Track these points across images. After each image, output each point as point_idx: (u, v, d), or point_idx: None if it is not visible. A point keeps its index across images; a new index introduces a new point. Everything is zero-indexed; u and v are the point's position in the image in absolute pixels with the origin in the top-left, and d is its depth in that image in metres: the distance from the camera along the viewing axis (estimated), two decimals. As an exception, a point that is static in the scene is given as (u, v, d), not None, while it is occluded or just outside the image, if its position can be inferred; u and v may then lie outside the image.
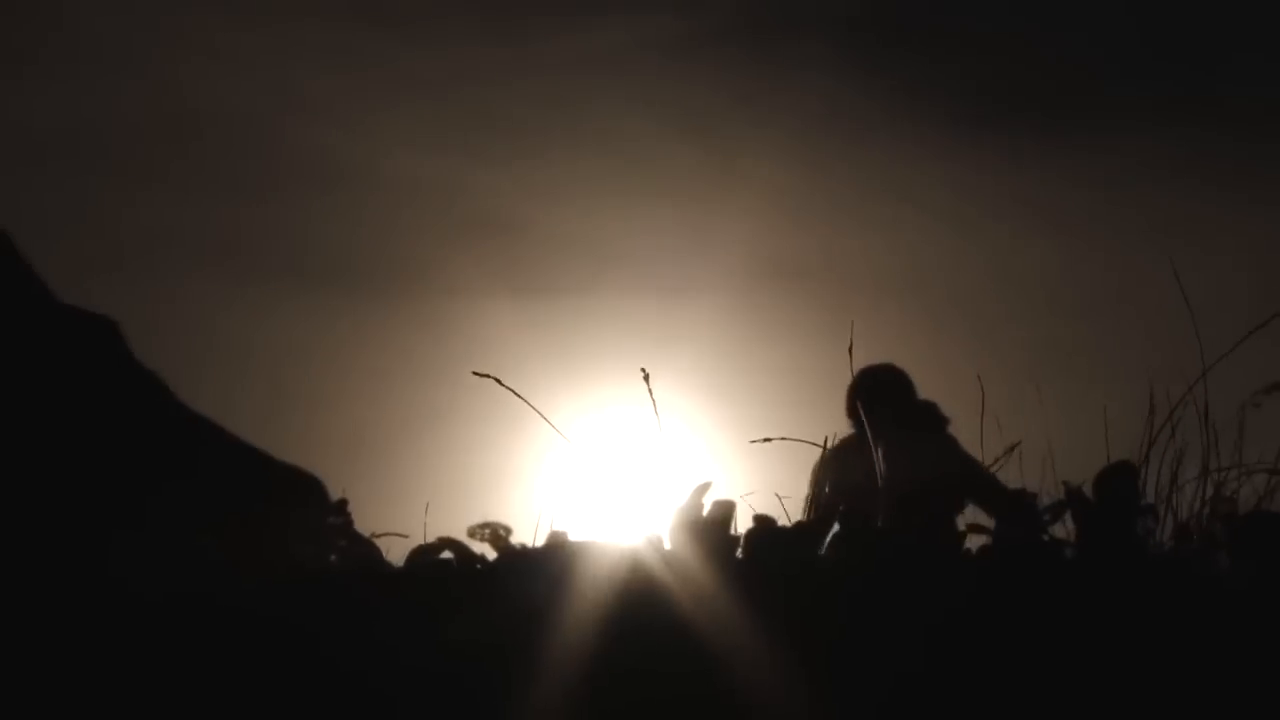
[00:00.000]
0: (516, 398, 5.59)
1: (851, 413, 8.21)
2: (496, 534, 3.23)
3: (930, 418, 8.29)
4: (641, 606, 2.89)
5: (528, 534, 3.40)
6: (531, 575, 3.14)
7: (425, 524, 3.76)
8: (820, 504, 7.88)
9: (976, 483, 7.59)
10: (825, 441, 7.25)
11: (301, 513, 4.23)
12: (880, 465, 7.13)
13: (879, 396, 8.12)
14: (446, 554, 3.27)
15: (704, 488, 4.74)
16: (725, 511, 3.26)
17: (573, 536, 3.29)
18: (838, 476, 7.94)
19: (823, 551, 3.00)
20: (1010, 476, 3.80)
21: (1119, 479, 3.23)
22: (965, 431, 3.92)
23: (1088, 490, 3.26)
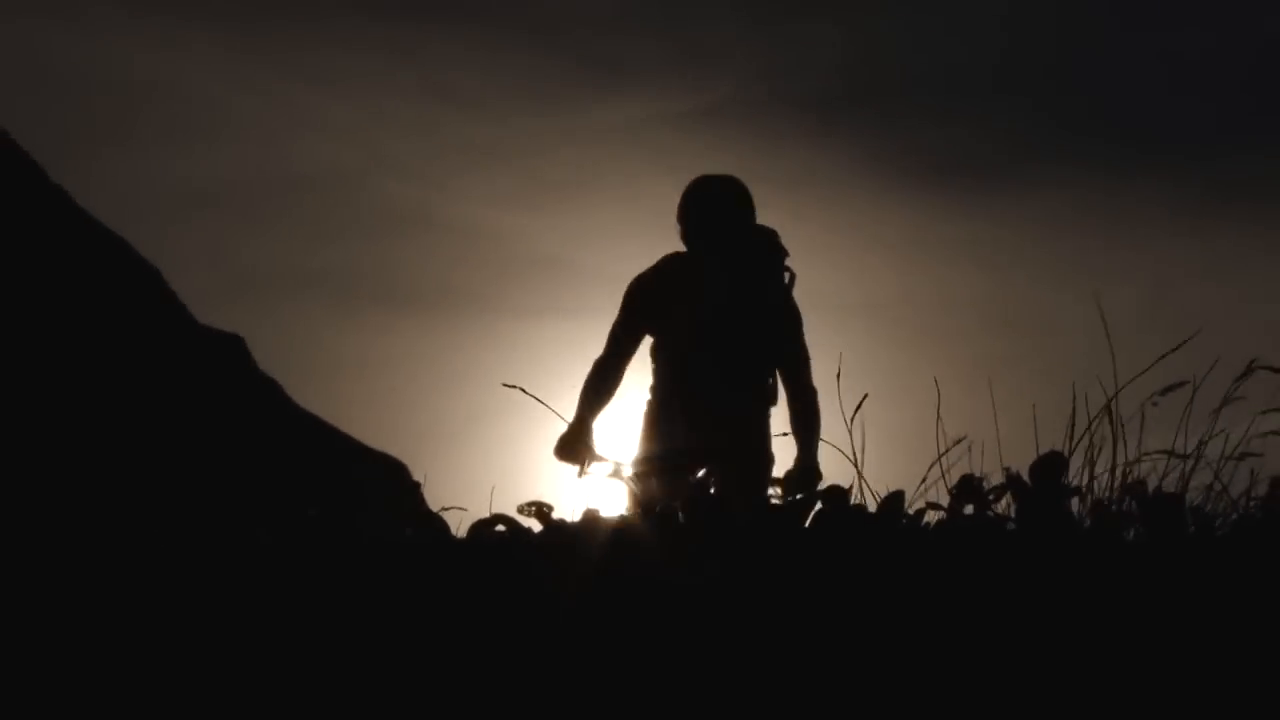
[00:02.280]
0: (558, 400, 5.92)
1: (681, 225, 6.89)
2: (541, 511, 3.21)
3: (767, 245, 6.93)
4: (653, 572, 2.82)
5: (566, 512, 3.39)
6: (569, 545, 3.08)
7: (491, 503, 3.76)
8: (630, 329, 6.86)
9: (788, 334, 6.84)
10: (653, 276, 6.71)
11: (387, 492, 4.16)
12: (704, 289, 6.73)
13: (712, 210, 6.81)
14: (500, 527, 3.20)
15: (708, 475, 4.69)
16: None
17: (603, 514, 3.27)
18: (656, 299, 6.81)
19: (809, 527, 2.92)
20: (959, 467, 3.71)
21: (1050, 466, 3.19)
22: (919, 427, 3.84)
23: (1025, 475, 3.22)
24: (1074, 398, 3.85)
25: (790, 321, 6.93)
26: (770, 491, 6.48)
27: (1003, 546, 2.88)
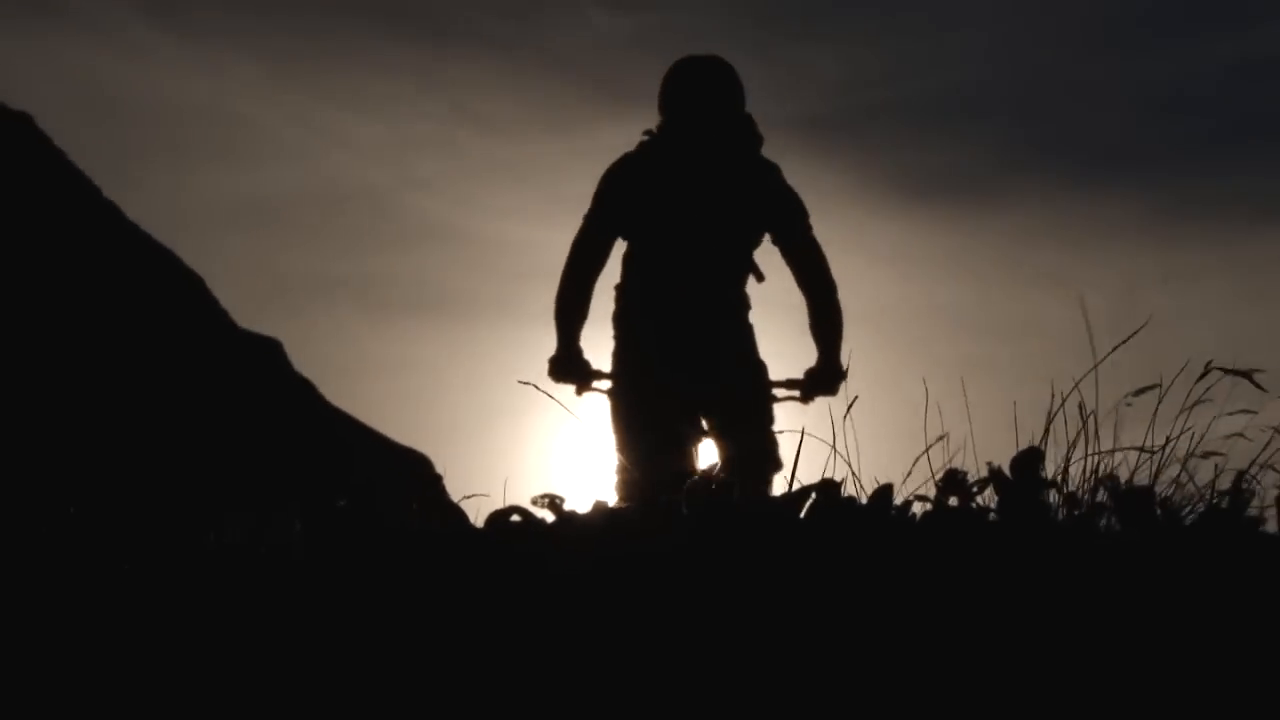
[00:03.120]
0: (571, 399, 5.80)
1: (662, 113, 5.85)
2: (553, 502, 3.18)
3: (748, 133, 5.88)
4: (660, 559, 2.78)
5: (576, 503, 3.36)
6: (579, 534, 3.05)
7: (505, 495, 3.75)
8: (602, 227, 5.88)
9: (789, 222, 5.84)
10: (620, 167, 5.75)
11: (411, 484, 4.12)
12: (684, 177, 5.80)
13: (693, 90, 5.76)
14: (515, 517, 3.17)
15: (711, 467, 4.62)
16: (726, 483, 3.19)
17: (610, 504, 3.24)
18: (631, 189, 5.81)
19: (803, 517, 2.89)
20: (943, 462, 3.69)
21: (1029, 461, 3.17)
22: (906, 425, 3.81)
23: (1005, 470, 3.20)
24: (1051, 397, 3.84)
25: (793, 210, 5.92)
26: (777, 392, 5.91)
27: (985, 536, 2.85)
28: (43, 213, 25.71)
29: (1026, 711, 2.57)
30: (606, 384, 6.01)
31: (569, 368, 5.96)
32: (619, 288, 6.06)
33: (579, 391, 6.01)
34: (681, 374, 5.91)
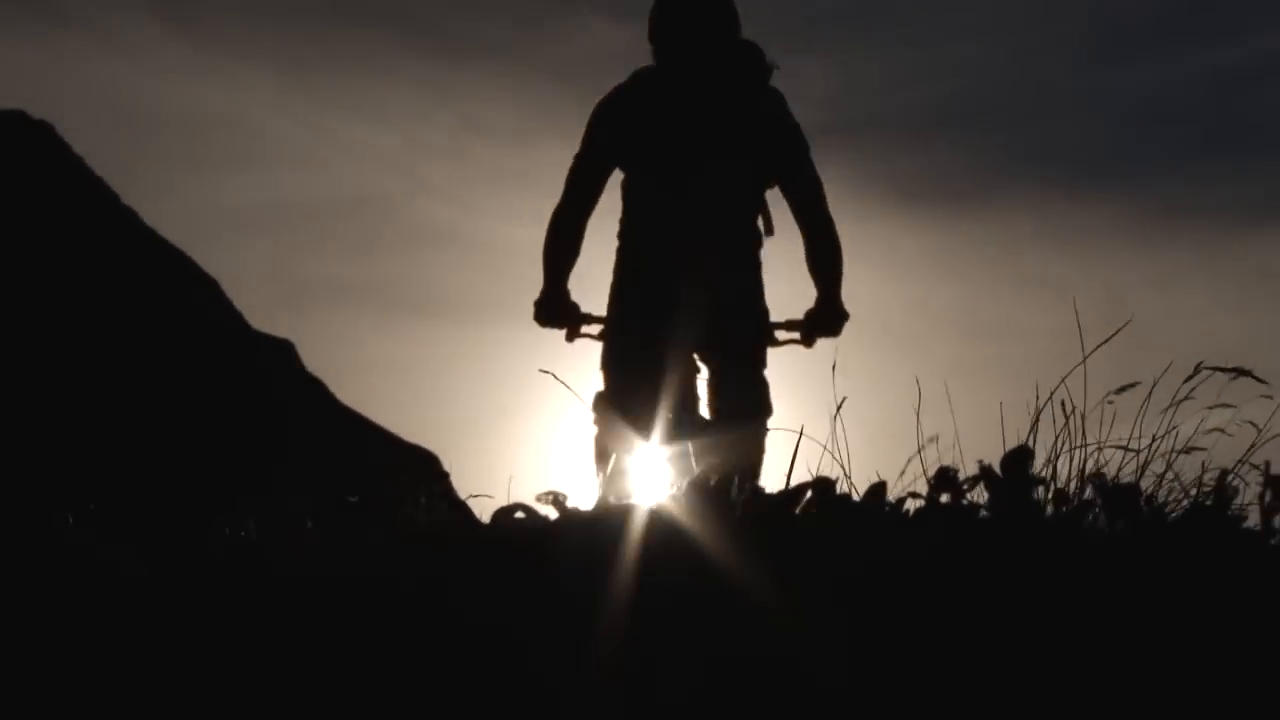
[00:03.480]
0: (578, 402, 5.64)
1: (653, 43, 5.42)
2: (557, 499, 3.17)
3: (748, 61, 5.42)
4: (663, 555, 2.76)
5: (579, 500, 3.34)
6: (582, 531, 3.03)
7: (509, 492, 3.73)
8: (595, 163, 5.43)
9: (791, 155, 5.36)
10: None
11: (418, 481, 4.11)
12: (681, 107, 5.39)
13: (681, 20, 5.32)
14: (520, 514, 3.16)
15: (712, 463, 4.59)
16: (724, 480, 3.17)
17: (613, 502, 3.23)
18: (625, 122, 5.39)
19: (799, 513, 2.88)
20: (934, 459, 3.67)
21: (1018, 459, 3.16)
22: (898, 423, 3.79)
23: (995, 468, 3.19)
24: (1037, 396, 3.83)
25: (791, 140, 5.46)
26: (778, 335, 5.54)
27: (976, 532, 2.84)
28: (63, 218, 25.72)
29: (1015, 701, 2.56)
30: (598, 328, 5.56)
31: (555, 310, 5.53)
32: (621, 222, 5.60)
33: (569, 337, 5.58)
34: (678, 314, 5.44)
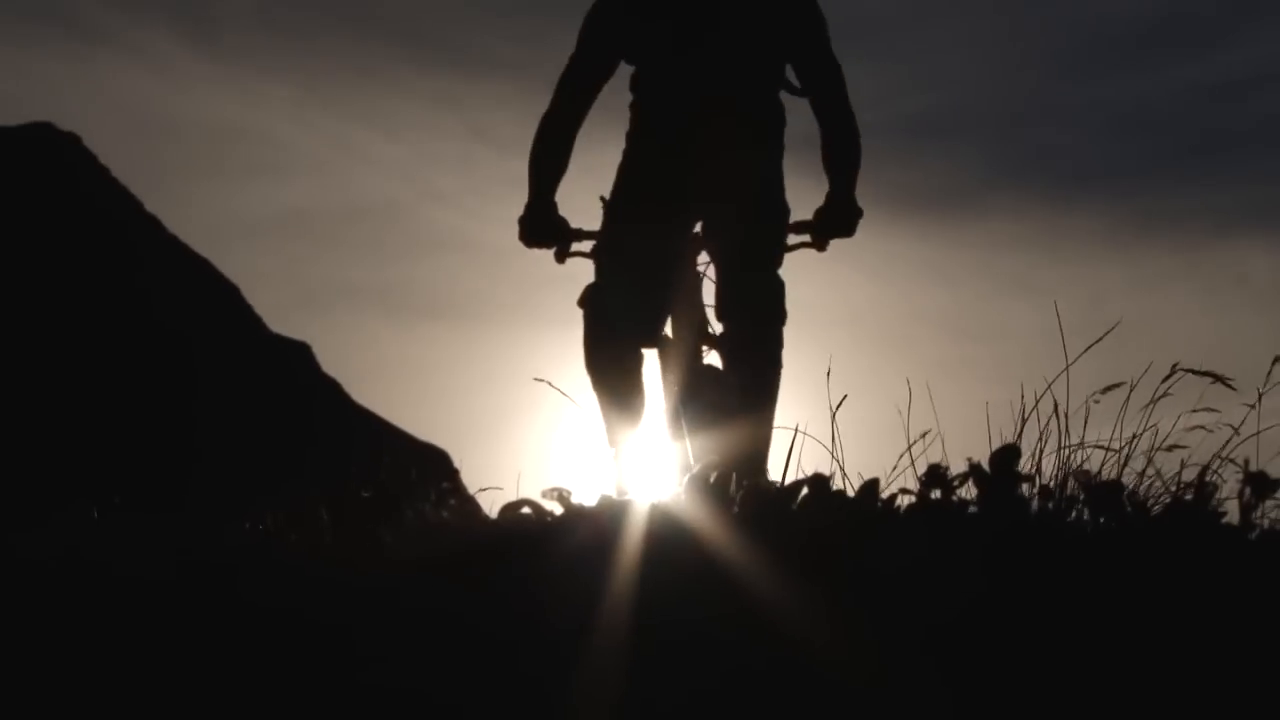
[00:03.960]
0: (579, 403, 5.53)
1: None
2: (562, 495, 3.15)
3: None
4: (665, 549, 2.75)
5: (583, 496, 3.32)
6: (586, 526, 3.01)
7: (518, 488, 3.72)
8: (592, 61, 4.85)
9: (809, 39, 4.80)
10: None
11: (430, 478, 4.10)
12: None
13: None
14: (526, 509, 3.15)
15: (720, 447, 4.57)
16: (724, 476, 3.15)
17: (616, 498, 3.21)
18: (628, 11, 4.79)
19: (796, 508, 2.86)
20: (924, 457, 3.66)
21: (1006, 456, 3.15)
22: (889, 421, 3.77)
23: (985, 465, 3.18)
24: (1022, 396, 3.83)
25: (809, 16, 4.84)
26: (791, 240, 4.94)
27: (966, 527, 2.83)
28: (89, 225, 25.74)
29: (999, 688, 2.54)
30: (590, 244, 4.93)
31: (541, 225, 4.89)
32: (631, 106, 4.98)
33: (559, 257, 4.93)
34: (688, 202, 4.87)
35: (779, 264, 4.92)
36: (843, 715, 2.41)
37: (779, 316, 4.85)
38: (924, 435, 3.95)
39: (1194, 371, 3.87)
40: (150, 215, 28.16)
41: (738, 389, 4.80)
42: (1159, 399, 3.87)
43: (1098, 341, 4.05)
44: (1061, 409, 3.80)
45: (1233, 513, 3.14)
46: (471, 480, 4.26)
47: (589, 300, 4.90)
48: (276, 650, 2.67)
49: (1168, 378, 3.90)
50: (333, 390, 25.23)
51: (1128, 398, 3.88)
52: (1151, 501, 3.38)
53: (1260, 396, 3.77)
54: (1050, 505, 3.26)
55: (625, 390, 4.93)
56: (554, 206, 4.96)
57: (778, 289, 4.87)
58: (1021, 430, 3.75)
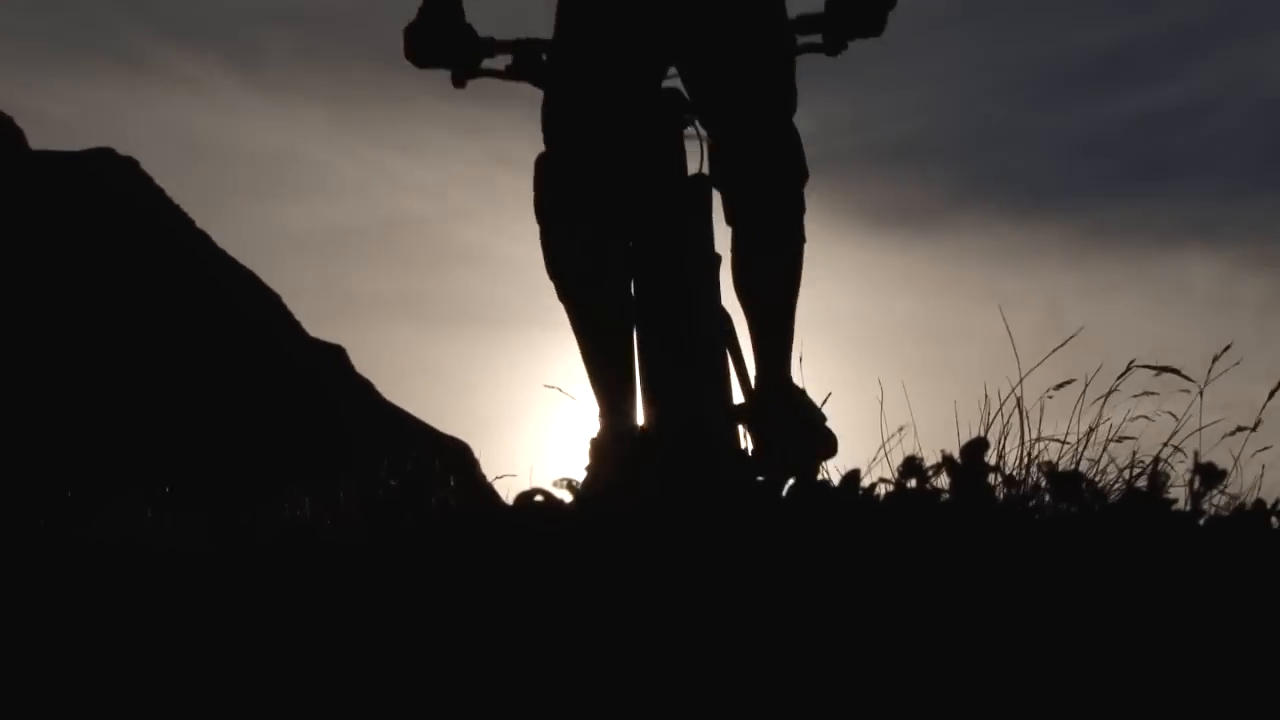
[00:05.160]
0: (584, 404, 5.46)
1: None
2: (572, 485, 3.13)
3: None
4: (660, 537, 2.71)
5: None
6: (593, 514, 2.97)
7: (531, 478, 3.71)
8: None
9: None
10: None
11: (452, 467, 4.06)
12: None
13: None
14: (539, 497, 3.11)
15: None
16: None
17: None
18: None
19: (784, 497, 2.83)
20: (897, 450, 3.63)
21: (976, 449, 3.11)
22: (866, 418, 3.74)
23: (956, 457, 3.15)
24: (985, 395, 3.82)
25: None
26: (798, 41, 3.46)
27: (940, 513, 2.79)
28: (146, 241, 25.84)
29: (972, 666, 2.50)
30: (506, 62, 3.40)
31: (435, 34, 3.31)
32: None
33: (457, 80, 3.39)
34: (658, 30, 3.34)
35: (792, 107, 3.42)
36: (833, 692, 2.37)
37: (798, 175, 3.41)
38: (899, 430, 3.92)
39: (1150, 367, 3.85)
40: (200, 231, 28.11)
41: (754, 276, 3.48)
42: (1111, 394, 3.86)
43: (1062, 345, 4.03)
44: (1023, 405, 3.79)
45: (1179, 501, 3.11)
46: (490, 470, 4.24)
47: (541, 175, 3.42)
48: (314, 626, 2.67)
49: (1124, 374, 3.88)
50: (365, 389, 25.21)
51: (1083, 393, 3.86)
52: (1107, 489, 3.35)
53: (1201, 391, 3.75)
54: (1014, 493, 3.24)
55: (603, 296, 3.49)
56: (457, 9, 3.36)
57: (793, 140, 3.40)
58: (988, 425, 3.74)
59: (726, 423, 3.63)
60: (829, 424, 3.84)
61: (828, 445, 3.81)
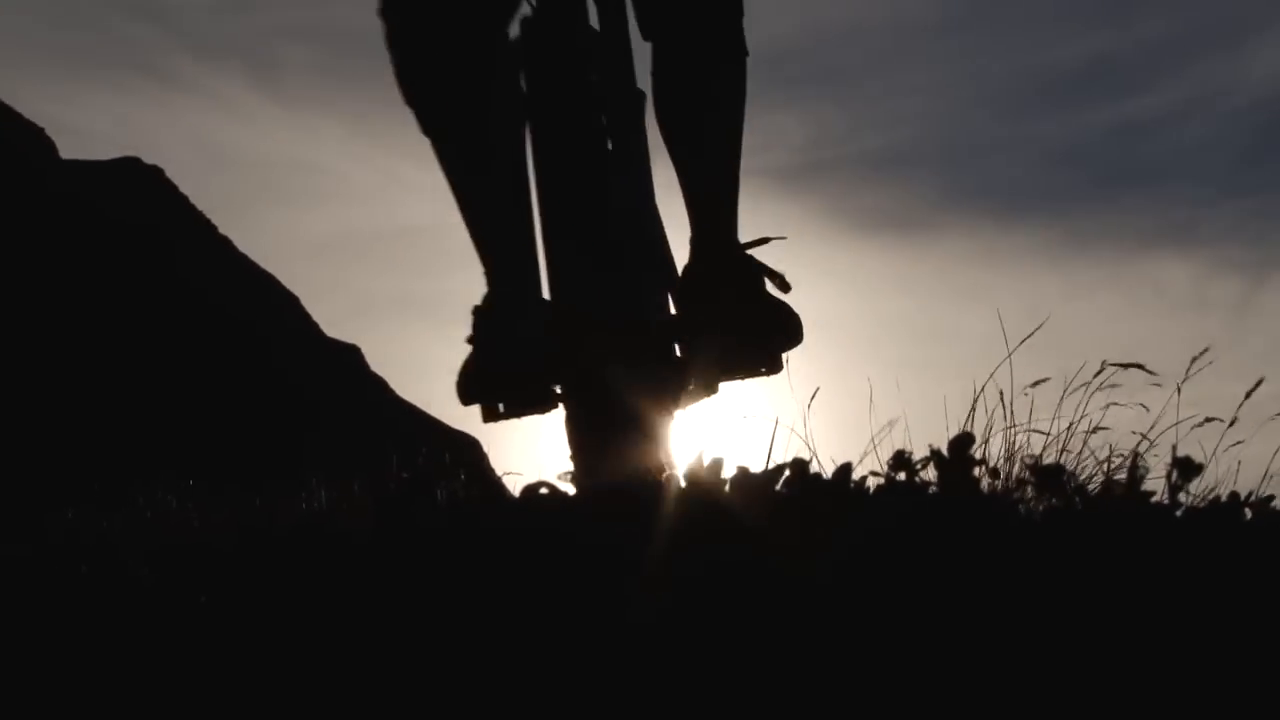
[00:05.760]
0: None
1: None
2: (574, 478, 3.11)
3: None
4: (663, 523, 2.68)
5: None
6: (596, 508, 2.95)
7: (538, 471, 3.68)
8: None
9: None
10: None
11: (461, 461, 4.04)
12: None
13: None
14: (544, 490, 3.09)
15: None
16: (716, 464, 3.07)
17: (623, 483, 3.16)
18: None
19: (779, 489, 2.80)
20: (887, 445, 3.60)
21: (963, 443, 3.09)
22: (856, 414, 3.73)
23: (944, 450, 3.13)
24: (973, 389, 3.80)
25: None
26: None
27: (928, 504, 2.77)
28: (171, 245, 25.86)
29: (952, 649, 2.48)
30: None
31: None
32: None
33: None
34: None
35: None
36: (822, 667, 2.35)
37: (737, 9, 2.68)
38: (889, 424, 3.90)
39: (1119, 365, 3.84)
40: (223, 236, 28.11)
41: (686, 104, 2.63)
42: (1089, 389, 3.84)
43: (1029, 337, 4.01)
44: (1005, 400, 3.78)
45: (1158, 493, 3.10)
46: (498, 464, 4.22)
47: None
48: (325, 613, 2.66)
49: (1099, 372, 3.87)
50: (379, 386, 25.19)
51: (1065, 390, 3.84)
52: (1087, 481, 3.34)
53: (1179, 389, 3.74)
54: (998, 485, 3.22)
55: (478, 121, 2.61)
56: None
57: None
58: (971, 420, 3.72)
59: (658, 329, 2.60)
60: (790, 303, 2.81)
61: (787, 328, 2.79)
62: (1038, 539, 2.59)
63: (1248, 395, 3.60)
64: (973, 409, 3.82)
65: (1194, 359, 3.76)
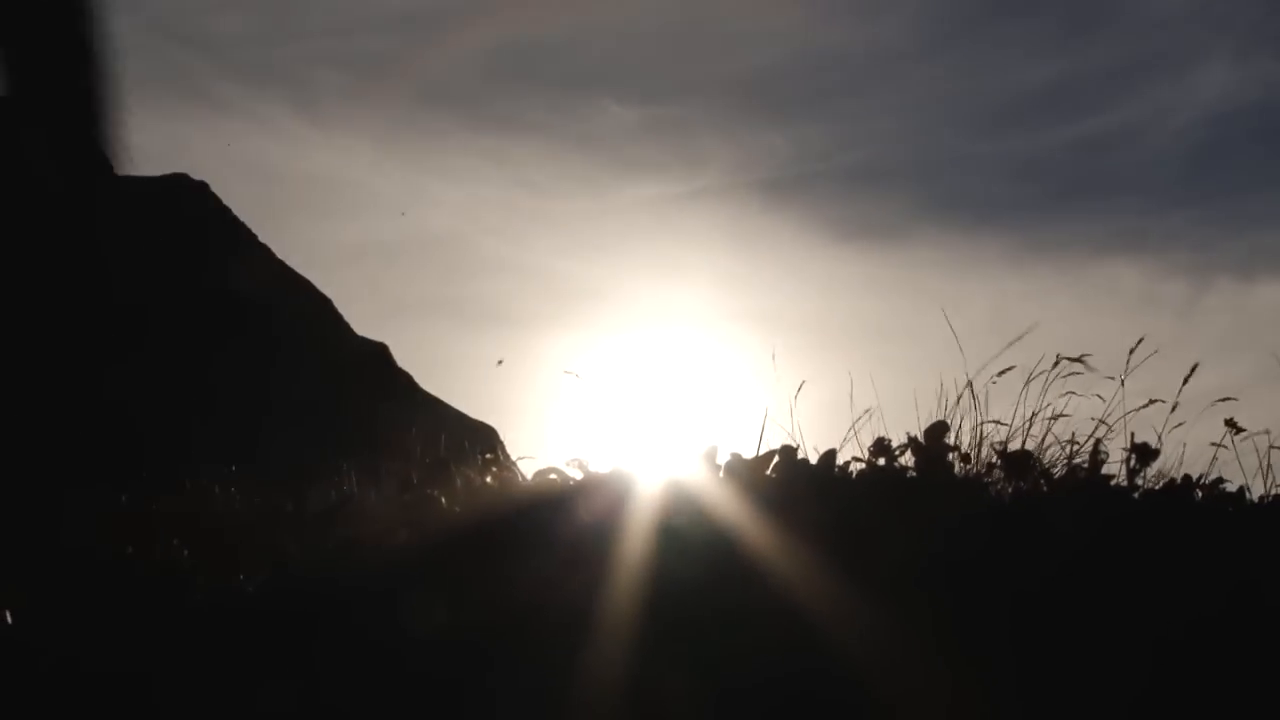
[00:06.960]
0: (600, 392, 5.29)
1: None
2: (582, 464, 3.06)
3: None
4: (663, 511, 2.65)
5: (599, 465, 3.23)
6: (600, 491, 2.92)
7: (550, 457, 3.63)
8: None
9: None
10: None
11: (480, 448, 4.00)
12: None
13: None
14: (553, 475, 3.05)
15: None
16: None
17: (626, 468, 3.12)
18: None
19: (770, 473, 2.77)
20: (865, 433, 3.56)
21: (937, 430, 3.05)
22: (837, 405, 3.71)
23: (920, 437, 3.08)
24: (941, 386, 3.77)
25: None
26: None
27: (906, 487, 2.74)
28: (215, 252, 25.83)
29: (929, 623, 2.45)
30: None
31: None
32: None
33: None
34: None
35: None
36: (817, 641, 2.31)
37: None
38: (866, 413, 3.87)
39: (1069, 359, 3.82)
40: (263, 245, 28.01)
41: None
42: (1047, 380, 3.81)
43: (1018, 339, 3.96)
44: (974, 390, 3.74)
45: (1117, 476, 3.05)
46: (514, 451, 4.18)
47: None
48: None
49: (1054, 366, 3.85)
50: (406, 381, 25.17)
51: (1027, 381, 3.81)
52: (1052, 464, 3.30)
53: (1123, 381, 3.72)
54: (970, 469, 3.18)
55: None
56: None
57: None
58: (944, 409, 3.68)
59: None
60: None
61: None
62: (1012, 520, 2.56)
63: (1185, 381, 3.61)
64: (945, 400, 3.78)
65: (1131, 350, 3.77)
